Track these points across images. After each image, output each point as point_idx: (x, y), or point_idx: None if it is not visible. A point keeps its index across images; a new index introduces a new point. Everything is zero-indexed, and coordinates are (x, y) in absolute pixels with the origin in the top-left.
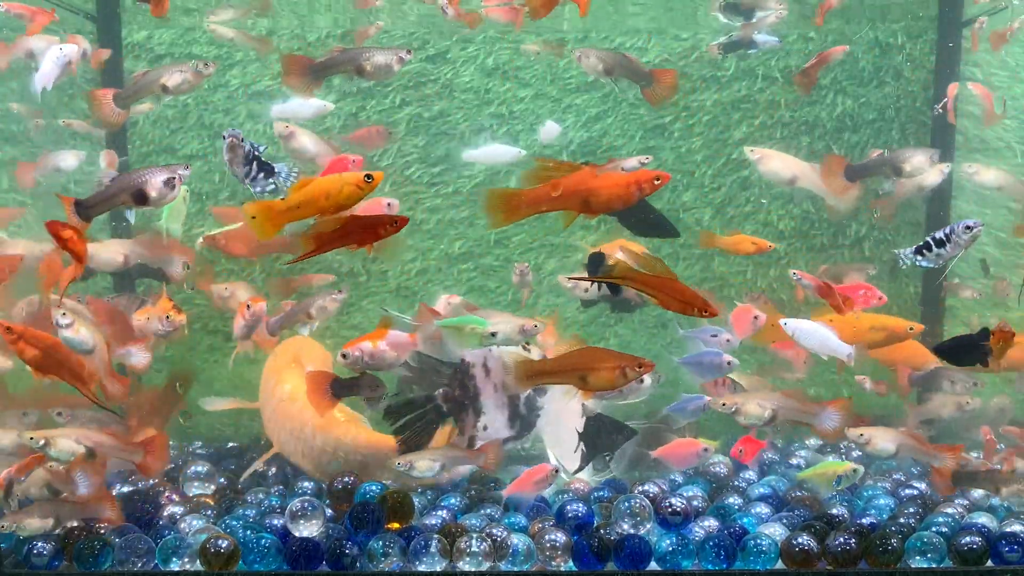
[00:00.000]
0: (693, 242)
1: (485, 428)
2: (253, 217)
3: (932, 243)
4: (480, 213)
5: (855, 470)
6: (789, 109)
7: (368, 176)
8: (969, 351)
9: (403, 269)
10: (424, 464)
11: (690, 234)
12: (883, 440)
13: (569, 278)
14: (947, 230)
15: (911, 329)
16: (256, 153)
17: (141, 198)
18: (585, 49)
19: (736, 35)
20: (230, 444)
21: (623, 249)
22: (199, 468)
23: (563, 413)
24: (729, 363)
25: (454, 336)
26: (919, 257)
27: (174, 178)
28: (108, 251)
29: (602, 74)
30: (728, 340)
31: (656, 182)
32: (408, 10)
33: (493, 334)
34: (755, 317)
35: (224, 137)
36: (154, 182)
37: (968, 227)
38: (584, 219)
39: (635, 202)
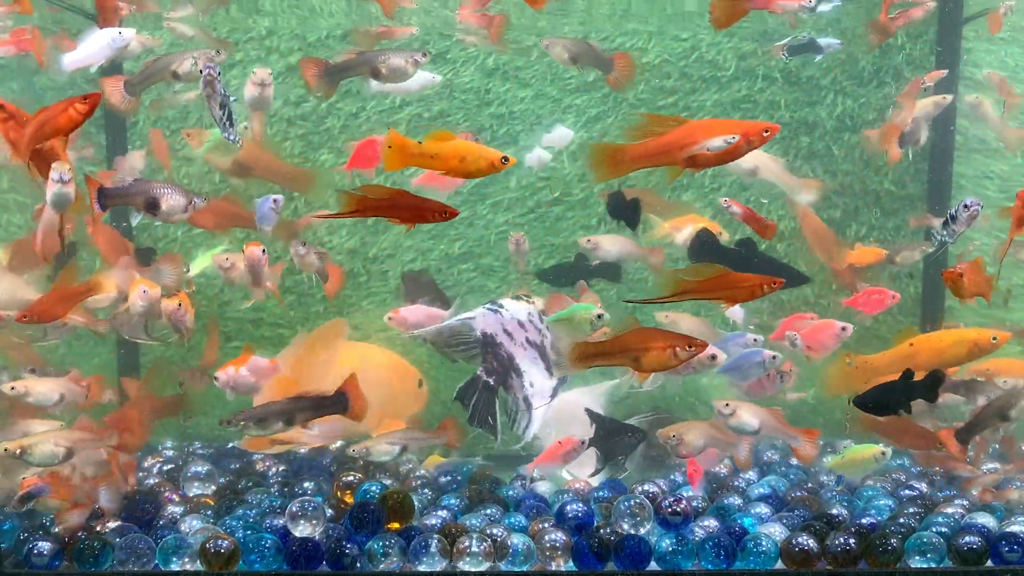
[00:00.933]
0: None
1: (532, 384)
2: (389, 147)
3: (949, 219)
4: (484, 213)
5: (884, 452)
6: (789, 109)
7: (505, 158)
8: (892, 400)
9: (403, 269)
10: (382, 448)
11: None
12: (748, 415)
13: (632, 301)
14: (954, 209)
15: (995, 339)
16: (227, 100)
17: (152, 207)
18: (552, 39)
19: (803, 37)
20: (230, 444)
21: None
22: (199, 468)
23: (569, 419)
24: (774, 357)
25: (567, 327)
26: (944, 232)
27: (189, 203)
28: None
29: (568, 62)
30: (755, 340)
31: (765, 134)
32: (408, 10)
33: (600, 316)
34: (842, 328)
35: (202, 71)
36: (169, 199)
37: (966, 205)
38: (584, 219)
39: (744, 155)
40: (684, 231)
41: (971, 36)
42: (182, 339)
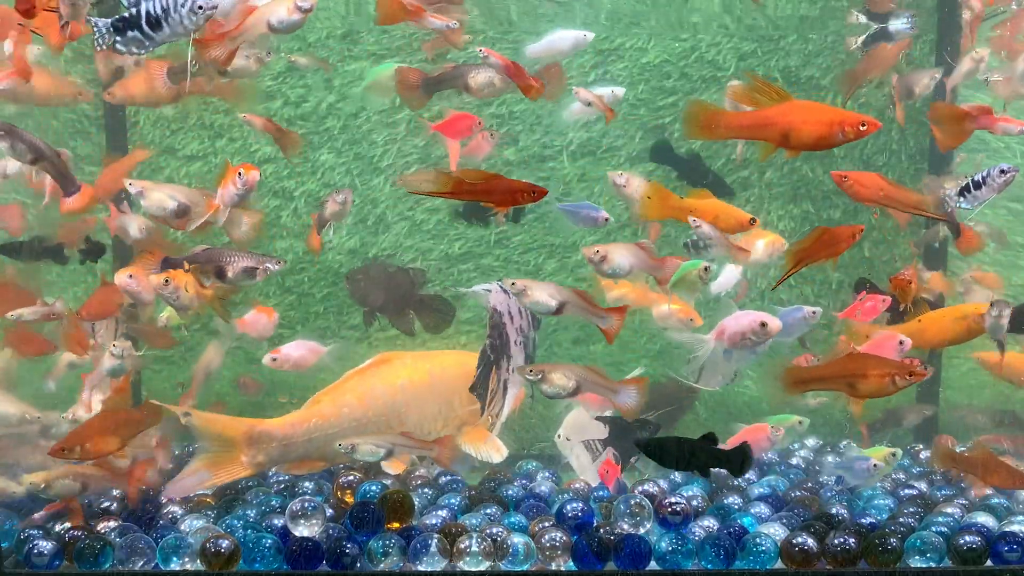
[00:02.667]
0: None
1: (513, 371)
2: (649, 196)
3: (971, 185)
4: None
5: (894, 454)
6: None
7: (752, 219)
8: (682, 457)
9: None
10: (367, 448)
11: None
12: (543, 294)
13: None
14: (984, 173)
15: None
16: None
17: (220, 274)
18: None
19: (875, 28)
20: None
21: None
22: None
23: (583, 424)
24: (814, 312)
25: (682, 287)
26: (961, 199)
27: (257, 269)
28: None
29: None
30: (813, 312)
31: (862, 127)
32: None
33: (707, 269)
34: (900, 343)
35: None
36: (236, 265)
37: (1003, 170)
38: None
39: (837, 145)
40: (755, 247)
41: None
42: (186, 316)
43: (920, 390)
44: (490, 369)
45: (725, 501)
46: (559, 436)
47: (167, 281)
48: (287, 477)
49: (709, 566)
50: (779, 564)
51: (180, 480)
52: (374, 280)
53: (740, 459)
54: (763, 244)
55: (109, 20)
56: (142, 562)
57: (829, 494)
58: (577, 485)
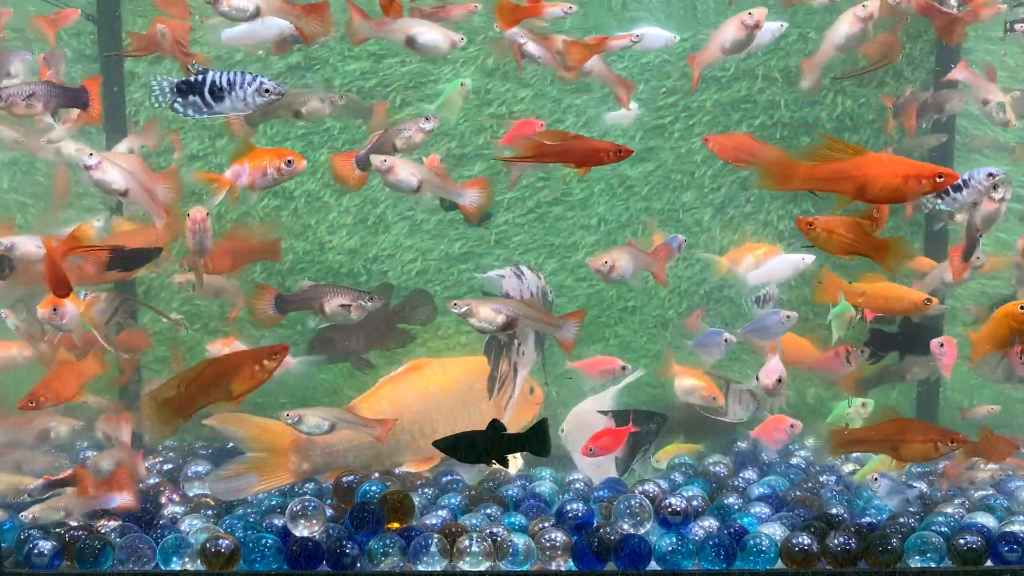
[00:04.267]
0: (692, 242)
1: (523, 353)
2: (819, 281)
3: (950, 188)
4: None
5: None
6: (789, 109)
7: (927, 299)
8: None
9: (403, 269)
10: (313, 420)
11: (690, 234)
12: (489, 311)
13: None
14: (967, 175)
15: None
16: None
17: (322, 308)
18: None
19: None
20: (230, 444)
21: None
22: (199, 468)
23: (587, 420)
24: (788, 316)
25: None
26: (939, 201)
27: (351, 305)
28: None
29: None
30: (727, 340)
31: (939, 179)
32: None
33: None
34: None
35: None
36: (332, 301)
37: (991, 174)
38: (584, 219)
39: (912, 199)
40: (744, 262)
41: (971, 36)
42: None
43: (920, 389)
44: (501, 354)
45: (725, 501)
46: (562, 430)
47: (55, 310)
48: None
49: (709, 566)
50: (779, 564)
51: (227, 481)
52: (342, 330)
53: (539, 438)
54: (753, 257)
55: (175, 80)
56: (142, 562)
57: (829, 494)
58: (577, 485)
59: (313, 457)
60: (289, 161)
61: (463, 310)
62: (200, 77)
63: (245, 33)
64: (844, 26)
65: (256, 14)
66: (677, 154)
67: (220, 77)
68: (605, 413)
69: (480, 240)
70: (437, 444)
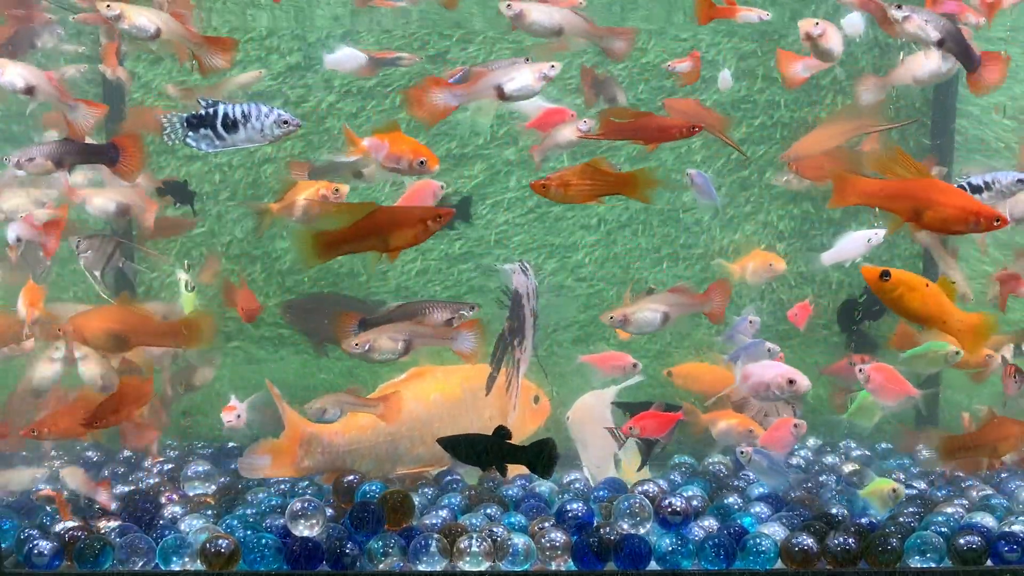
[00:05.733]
0: (692, 242)
1: (525, 350)
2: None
3: (968, 188)
4: (484, 213)
5: (894, 490)
6: (789, 109)
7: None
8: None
9: (403, 269)
10: (315, 407)
11: (690, 234)
12: (388, 342)
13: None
14: (989, 178)
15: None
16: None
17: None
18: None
19: None
20: (230, 444)
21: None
22: (199, 468)
23: (592, 409)
24: (769, 350)
25: (920, 362)
26: None
27: (453, 318)
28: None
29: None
30: (769, 349)
31: (996, 223)
32: (409, 10)
33: (957, 352)
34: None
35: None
36: (433, 317)
37: (1021, 180)
38: (584, 219)
39: (962, 233)
40: (750, 267)
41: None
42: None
43: (920, 387)
44: (507, 349)
45: (725, 501)
46: (568, 418)
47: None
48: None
49: (709, 566)
50: (779, 564)
51: (251, 456)
52: (313, 312)
53: (543, 458)
54: (753, 265)
55: (184, 115)
56: (142, 562)
57: (829, 494)
58: (577, 485)
59: (315, 454)
60: (422, 162)
61: (365, 348)
62: (211, 110)
63: (344, 59)
64: (932, 64)
65: (157, 35)
66: (677, 154)
67: (233, 109)
68: (621, 406)
69: (480, 240)
70: (441, 441)
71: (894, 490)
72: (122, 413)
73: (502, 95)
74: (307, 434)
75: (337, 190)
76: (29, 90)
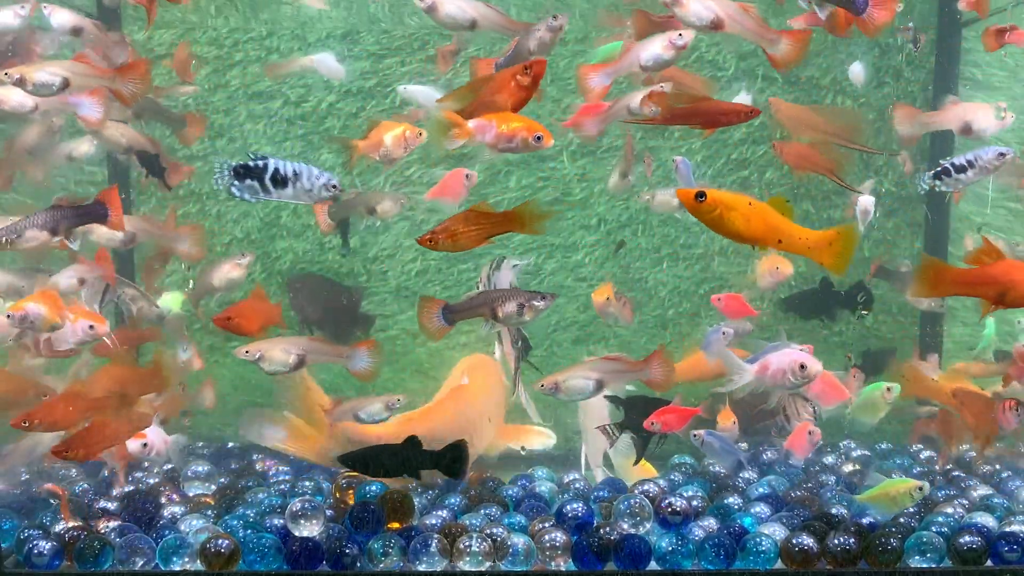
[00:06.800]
0: (692, 242)
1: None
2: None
3: (952, 168)
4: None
5: (920, 488)
6: None
7: None
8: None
9: (403, 269)
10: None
11: (690, 234)
12: (280, 353)
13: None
14: (971, 155)
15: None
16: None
17: (494, 314)
18: None
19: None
20: (230, 444)
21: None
22: (199, 468)
23: (595, 401)
24: (725, 333)
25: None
26: (938, 182)
27: (526, 306)
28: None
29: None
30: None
31: None
32: (407, 10)
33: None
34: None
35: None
36: (508, 306)
37: (1001, 153)
38: (584, 219)
39: None
40: (756, 270)
41: (971, 36)
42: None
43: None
44: (523, 347)
45: (725, 501)
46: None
47: (8, 315)
48: (288, 477)
49: (709, 566)
50: (779, 564)
51: (259, 422)
52: (313, 293)
53: (452, 459)
54: (767, 270)
55: (233, 163)
56: (142, 562)
57: (829, 494)
58: (577, 485)
59: (344, 446)
60: (539, 137)
61: (256, 356)
62: (261, 163)
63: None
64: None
65: (65, 85)
66: (677, 154)
67: (285, 166)
68: (613, 401)
69: None
70: (343, 458)
71: (920, 488)
72: (93, 449)
73: (643, 67)
74: (342, 428)
75: (420, 133)
76: (76, 31)
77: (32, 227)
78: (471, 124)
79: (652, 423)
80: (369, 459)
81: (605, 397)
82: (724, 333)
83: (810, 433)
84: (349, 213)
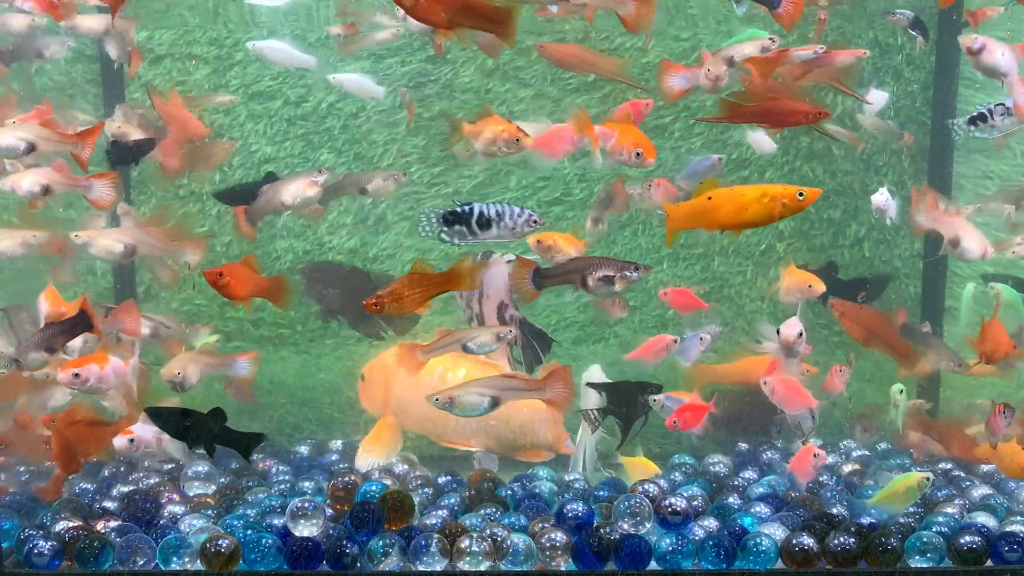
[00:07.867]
0: (692, 242)
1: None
2: None
3: (989, 114)
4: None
5: (928, 478)
6: None
7: None
8: None
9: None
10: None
11: (689, 234)
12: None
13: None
14: (1010, 102)
15: (801, 196)
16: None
17: (584, 281)
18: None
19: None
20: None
21: None
22: (199, 468)
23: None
24: (706, 338)
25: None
26: (973, 128)
27: (614, 276)
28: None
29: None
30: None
31: None
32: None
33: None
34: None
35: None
36: (595, 273)
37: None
38: (584, 219)
39: None
40: (784, 285)
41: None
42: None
43: (921, 388)
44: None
45: (725, 501)
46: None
47: (76, 375)
48: (288, 476)
49: (709, 566)
50: (779, 564)
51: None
52: (332, 280)
53: (246, 443)
54: (788, 284)
55: (441, 211)
56: (142, 562)
57: (829, 494)
58: (577, 485)
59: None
60: (639, 153)
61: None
62: (467, 208)
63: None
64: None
65: (32, 149)
66: (677, 154)
67: (488, 209)
68: (596, 387)
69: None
70: (149, 410)
71: (928, 478)
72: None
73: (731, 63)
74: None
75: (518, 140)
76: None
77: (31, 349)
78: (597, 129)
79: (674, 421)
80: (172, 417)
81: (587, 385)
82: (702, 339)
83: (815, 456)
84: (341, 193)
